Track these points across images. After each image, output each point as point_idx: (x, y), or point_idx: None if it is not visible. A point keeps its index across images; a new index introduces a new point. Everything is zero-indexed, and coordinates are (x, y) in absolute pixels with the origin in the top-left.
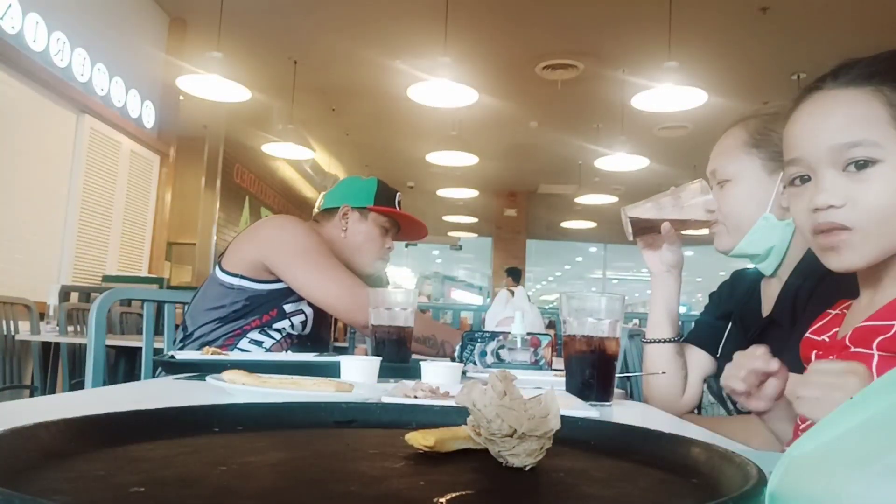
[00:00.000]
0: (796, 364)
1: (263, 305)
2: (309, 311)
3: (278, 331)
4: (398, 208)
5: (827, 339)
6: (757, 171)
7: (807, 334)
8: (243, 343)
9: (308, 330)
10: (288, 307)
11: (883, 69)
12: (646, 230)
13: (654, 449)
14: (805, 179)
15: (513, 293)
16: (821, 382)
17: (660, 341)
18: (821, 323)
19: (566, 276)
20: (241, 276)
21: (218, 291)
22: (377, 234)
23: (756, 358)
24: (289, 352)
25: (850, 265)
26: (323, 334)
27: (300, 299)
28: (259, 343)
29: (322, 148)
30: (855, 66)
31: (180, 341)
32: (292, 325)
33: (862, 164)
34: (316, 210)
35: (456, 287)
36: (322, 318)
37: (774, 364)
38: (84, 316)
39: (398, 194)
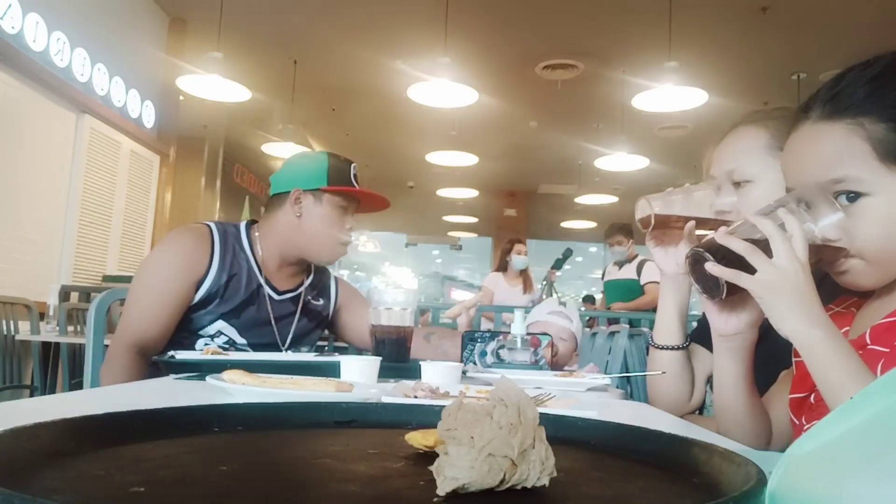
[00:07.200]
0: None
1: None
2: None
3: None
4: (355, 182)
5: None
6: (779, 174)
7: None
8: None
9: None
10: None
11: (862, 98)
12: (661, 226)
13: (654, 449)
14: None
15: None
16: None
17: (672, 348)
18: None
19: (566, 275)
20: None
21: None
22: (335, 216)
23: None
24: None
25: (860, 287)
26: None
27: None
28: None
29: (322, 148)
30: (838, 91)
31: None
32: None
33: (853, 197)
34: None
35: (456, 287)
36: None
37: None
38: (84, 316)
39: (353, 166)
